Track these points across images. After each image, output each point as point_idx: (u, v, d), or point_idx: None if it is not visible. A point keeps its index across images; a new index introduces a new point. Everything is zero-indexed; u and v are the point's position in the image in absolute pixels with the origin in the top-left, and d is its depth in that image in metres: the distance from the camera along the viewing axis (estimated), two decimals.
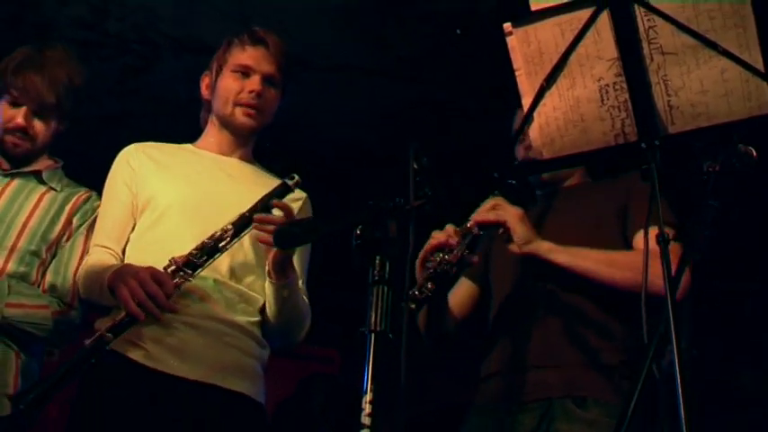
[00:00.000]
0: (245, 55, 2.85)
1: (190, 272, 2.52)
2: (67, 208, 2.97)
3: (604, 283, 2.64)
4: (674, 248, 2.30)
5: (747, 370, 3.29)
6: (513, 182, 2.82)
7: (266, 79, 2.85)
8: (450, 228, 2.72)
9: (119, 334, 2.48)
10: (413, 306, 2.56)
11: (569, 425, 2.57)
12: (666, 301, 2.01)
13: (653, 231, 2.33)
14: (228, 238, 2.54)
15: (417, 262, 2.72)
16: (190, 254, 2.52)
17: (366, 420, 1.91)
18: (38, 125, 2.94)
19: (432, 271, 2.64)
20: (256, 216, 2.56)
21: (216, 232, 2.55)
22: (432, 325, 2.93)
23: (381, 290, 2.03)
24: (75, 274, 2.85)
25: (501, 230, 2.70)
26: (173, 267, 2.52)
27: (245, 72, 2.84)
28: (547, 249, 2.66)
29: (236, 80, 2.83)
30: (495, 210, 2.71)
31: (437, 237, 2.70)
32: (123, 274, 2.54)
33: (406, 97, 5.03)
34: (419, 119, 5.13)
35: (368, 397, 1.93)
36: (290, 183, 2.68)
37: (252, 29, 2.90)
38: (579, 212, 2.86)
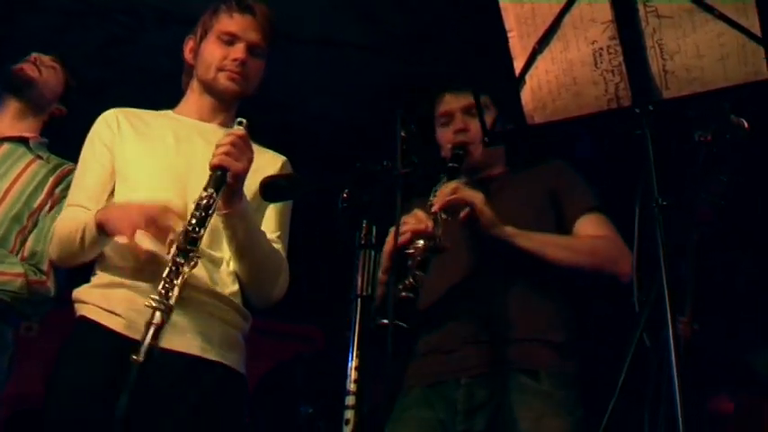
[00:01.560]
0: (232, 22, 2.81)
1: (195, 248, 2.43)
2: (52, 178, 2.99)
3: (563, 266, 2.78)
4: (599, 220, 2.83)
5: (752, 347, 3.27)
6: (455, 165, 2.89)
7: (251, 48, 2.81)
8: (420, 213, 2.73)
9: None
10: (412, 295, 2.56)
11: (521, 395, 2.66)
12: (660, 268, 1.98)
13: (593, 216, 2.86)
14: (214, 202, 2.48)
15: (387, 248, 2.74)
16: (186, 230, 2.43)
17: (352, 387, 1.88)
18: None
19: (420, 258, 2.64)
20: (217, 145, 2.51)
21: (201, 199, 2.47)
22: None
23: (368, 254, 2.00)
24: None
25: (465, 212, 2.73)
26: (174, 252, 2.42)
27: (230, 40, 2.80)
28: (511, 234, 2.75)
29: (220, 47, 2.79)
30: (458, 193, 2.75)
31: (412, 223, 2.69)
32: (116, 207, 2.56)
33: (396, 73, 4.98)
34: (409, 96, 5.07)
35: (354, 363, 1.90)
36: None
37: None
38: (514, 201, 2.93)
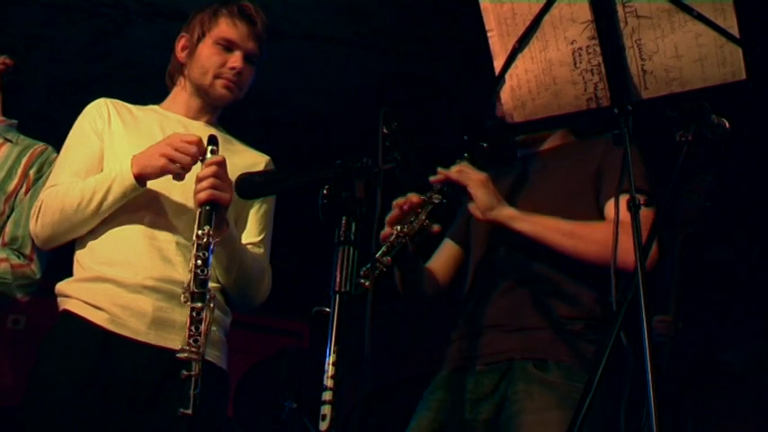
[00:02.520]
0: (234, 30, 2.83)
1: (205, 289, 2.44)
2: (24, 160, 2.97)
3: (567, 254, 2.63)
4: (646, 214, 2.27)
5: (734, 346, 3.29)
6: (485, 144, 2.78)
7: (247, 57, 2.84)
8: (412, 195, 2.68)
9: None
10: (366, 283, 2.39)
11: (528, 385, 2.58)
12: (636, 269, 1.99)
13: (623, 199, 2.29)
14: (211, 238, 2.49)
15: (381, 234, 2.68)
16: (195, 274, 2.44)
17: (329, 383, 1.89)
18: None
19: (389, 244, 2.60)
20: (196, 179, 2.55)
21: (199, 239, 2.47)
22: (408, 290, 2.90)
23: (347, 250, 2.00)
24: None
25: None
26: (188, 299, 2.44)
27: (228, 47, 2.82)
28: (508, 216, 2.63)
29: (218, 52, 2.82)
30: (457, 173, 2.68)
31: (397, 206, 2.67)
32: (144, 152, 2.59)
33: (381, 69, 4.99)
34: (393, 91, 5.09)
35: (331, 359, 1.91)
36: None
37: (243, 3, 2.88)
38: (554, 181, 2.83)
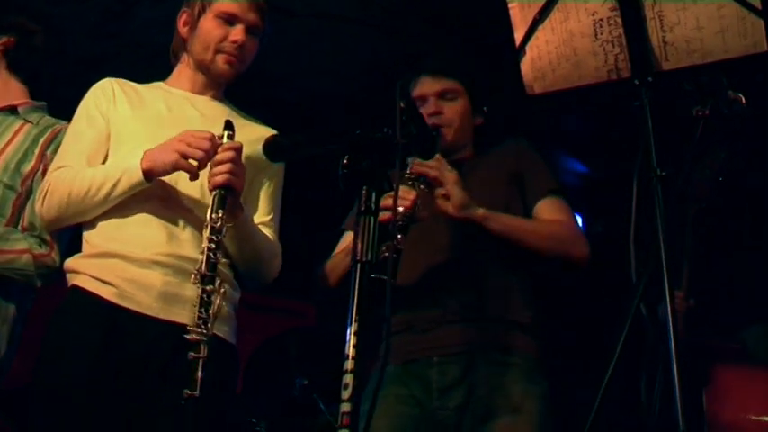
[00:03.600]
0: (233, 2, 2.79)
1: (215, 273, 2.44)
2: (41, 141, 2.94)
3: (530, 249, 2.83)
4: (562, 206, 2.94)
5: (746, 324, 3.28)
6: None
7: (249, 29, 2.81)
8: (404, 188, 2.70)
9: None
10: (395, 255, 2.50)
11: (494, 368, 2.75)
12: (659, 240, 2.00)
13: (552, 200, 2.94)
14: (224, 222, 2.48)
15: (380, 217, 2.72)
16: (208, 257, 2.43)
17: (351, 352, 1.89)
18: None
19: (400, 223, 2.61)
20: (213, 163, 2.54)
21: (213, 222, 2.46)
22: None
23: (367, 220, 2.00)
24: None
25: (440, 191, 2.74)
26: (198, 280, 2.43)
27: (229, 19, 2.79)
28: (482, 216, 2.77)
29: (219, 26, 2.78)
30: (438, 168, 2.75)
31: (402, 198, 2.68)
32: (150, 150, 2.56)
33: (389, 50, 4.98)
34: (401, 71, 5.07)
35: (353, 328, 1.90)
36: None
37: None
38: (485, 184, 2.95)
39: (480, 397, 2.72)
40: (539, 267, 2.97)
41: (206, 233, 2.45)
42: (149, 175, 2.54)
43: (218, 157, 2.52)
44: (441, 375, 2.77)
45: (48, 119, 3.04)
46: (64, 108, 2.92)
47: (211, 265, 2.42)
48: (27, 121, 2.96)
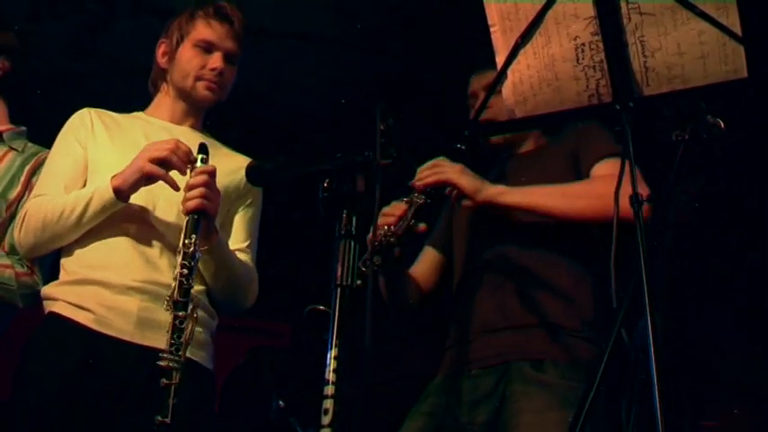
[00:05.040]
0: (210, 31, 2.82)
1: (188, 299, 2.41)
2: (27, 168, 2.97)
3: (562, 216, 2.63)
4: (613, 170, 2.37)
5: (724, 351, 3.29)
6: (462, 146, 2.79)
7: (227, 56, 2.83)
8: (396, 204, 2.69)
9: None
10: (359, 282, 2.30)
11: (524, 386, 2.58)
12: (639, 264, 1.99)
13: (607, 162, 2.63)
14: (198, 247, 2.46)
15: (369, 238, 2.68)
16: (180, 282, 2.41)
17: (331, 376, 1.87)
18: None
19: (377, 244, 2.58)
20: (186, 187, 2.52)
21: (186, 248, 2.44)
22: (391, 296, 2.91)
23: (348, 244, 1.99)
24: None
25: (449, 190, 2.68)
26: (170, 307, 2.41)
27: (207, 47, 2.81)
28: (497, 193, 2.65)
29: (197, 55, 2.81)
30: (434, 170, 2.69)
31: (386, 214, 2.66)
32: (121, 171, 2.55)
33: (368, 68, 4.99)
34: (380, 90, 5.08)
35: (333, 353, 1.89)
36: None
37: (218, 3, 2.87)
38: (533, 176, 2.82)
39: (508, 417, 2.56)
40: (587, 242, 2.72)
41: (179, 258, 2.43)
42: (120, 192, 2.53)
43: (192, 181, 2.51)
44: (473, 388, 2.67)
45: (32, 146, 3.06)
46: (41, 126, 2.91)
47: (184, 290, 2.40)
48: (12, 149, 2.96)
